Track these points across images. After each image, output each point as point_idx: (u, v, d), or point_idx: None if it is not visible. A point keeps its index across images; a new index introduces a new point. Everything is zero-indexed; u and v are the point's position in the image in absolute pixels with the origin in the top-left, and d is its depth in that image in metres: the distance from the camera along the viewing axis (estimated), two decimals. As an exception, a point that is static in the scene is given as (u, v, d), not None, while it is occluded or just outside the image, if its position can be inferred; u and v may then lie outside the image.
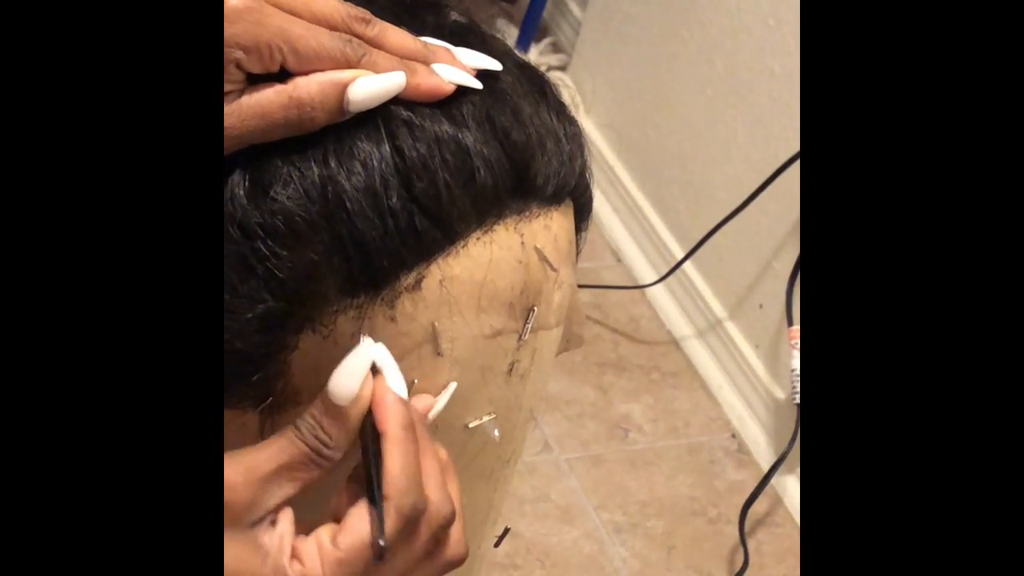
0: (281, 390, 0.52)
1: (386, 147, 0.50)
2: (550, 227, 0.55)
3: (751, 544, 1.57)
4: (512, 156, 0.52)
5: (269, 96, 0.49)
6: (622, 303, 1.86)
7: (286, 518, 0.49)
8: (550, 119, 0.55)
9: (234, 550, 0.47)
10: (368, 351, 0.49)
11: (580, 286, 1.86)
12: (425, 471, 0.50)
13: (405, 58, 0.52)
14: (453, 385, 0.54)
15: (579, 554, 1.53)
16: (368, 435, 0.50)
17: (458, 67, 0.52)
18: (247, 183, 0.49)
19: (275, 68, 0.49)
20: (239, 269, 0.49)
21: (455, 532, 0.52)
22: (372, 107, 0.50)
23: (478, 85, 0.52)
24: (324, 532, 0.49)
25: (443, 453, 0.53)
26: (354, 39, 0.50)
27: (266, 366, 0.51)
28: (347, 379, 0.49)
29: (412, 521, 0.49)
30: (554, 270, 0.56)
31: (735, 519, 1.58)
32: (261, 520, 0.48)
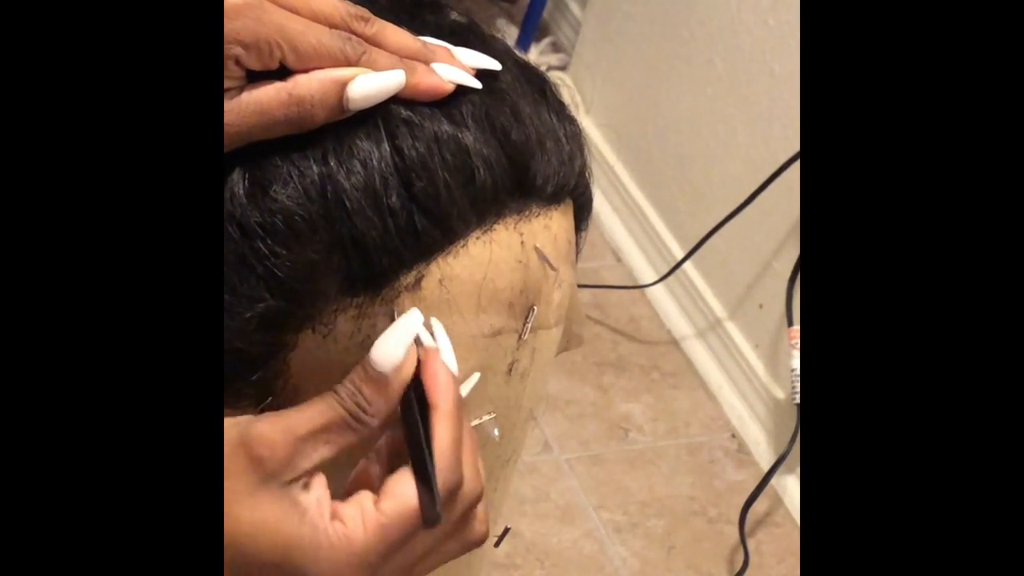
0: (281, 389, 0.52)
1: (385, 146, 0.50)
2: (550, 227, 0.55)
3: (751, 544, 1.57)
4: (512, 156, 0.52)
5: (269, 93, 0.49)
6: (622, 303, 1.86)
7: (320, 482, 0.49)
8: (550, 119, 0.55)
9: (270, 507, 0.47)
10: (415, 320, 0.50)
11: (580, 286, 1.86)
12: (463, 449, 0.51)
13: (404, 57, 0.52)
14: (476, 375, 0.54)
15: (579, 554, 1.53)
16: (412, 406, 0.50)
17: (457, 67, 0.52)
18: (246, 182, 0.49)
19: (274, 65, 0.49)
20: (239, 268, 0.49)
21: (480, 511, 0.52)
22: (372, 105, 0.50)
23: (477, 84, 0.52)
24: (366, 497, 0.49)
25: (474, 434, 0.53)
26: (354, 37, 0.50)
27: (266, 365, 0.51)
28: (392, 347, 0.49)
29: (451, 497, 0.50)
30: (554, 269, 0.56)
31: (735, 519, 1.58)
32: (296, 480, 0.48)
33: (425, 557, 0.51)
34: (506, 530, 0.65)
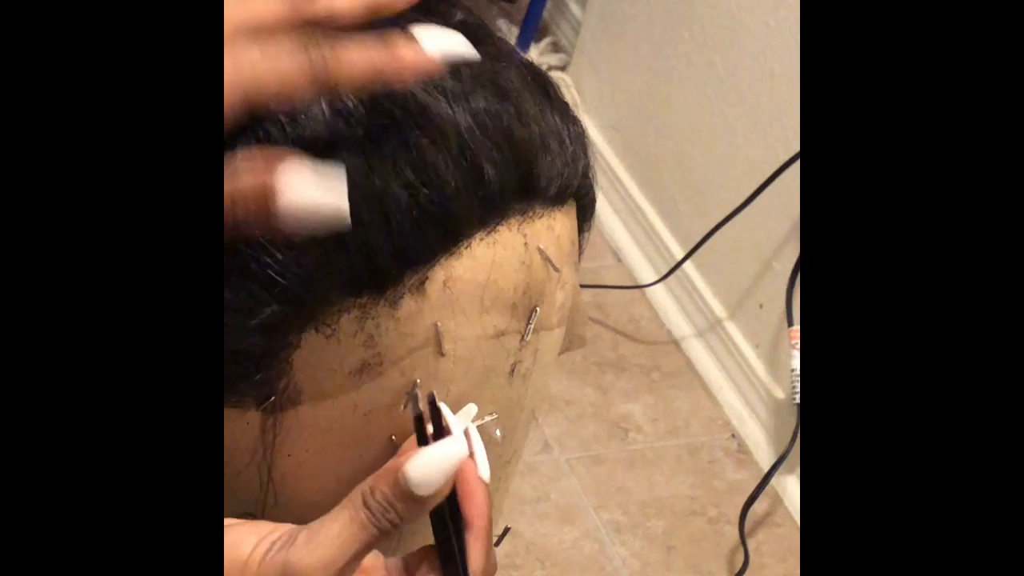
0: (283, 389, 0.52)
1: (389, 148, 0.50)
2: (553, 228, 0.55)
3: (751, 544, 1.57)
4: (516, 157, 0.52)
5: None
6: (622, 303, 1.86)
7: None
8: (554, 120, 0.55)
9: None
10: (459, 448, 0.48)
11: (580, 286, 1.85)
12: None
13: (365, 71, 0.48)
14: (473, 408, 0.54)
15: (579, 554, 1.53)
16: (446, 520, 0.49)
17: (419, 54, 0.49)
18: None
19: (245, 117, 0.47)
20: (241, 273, 0.49)
21: None
22: (306, 227, 0.47)
23: (473, 55, 0.49)
24: None
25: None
26: (318, 47, 0.47)
27: (268, 365, 0.51)
28: (433, 474, 0.48)
29: None
30: (557, 270, 0.55)
31: (735, 519, 1.58)
32: None
33: None
34: (506, 530, 0.65)
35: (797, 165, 1.59)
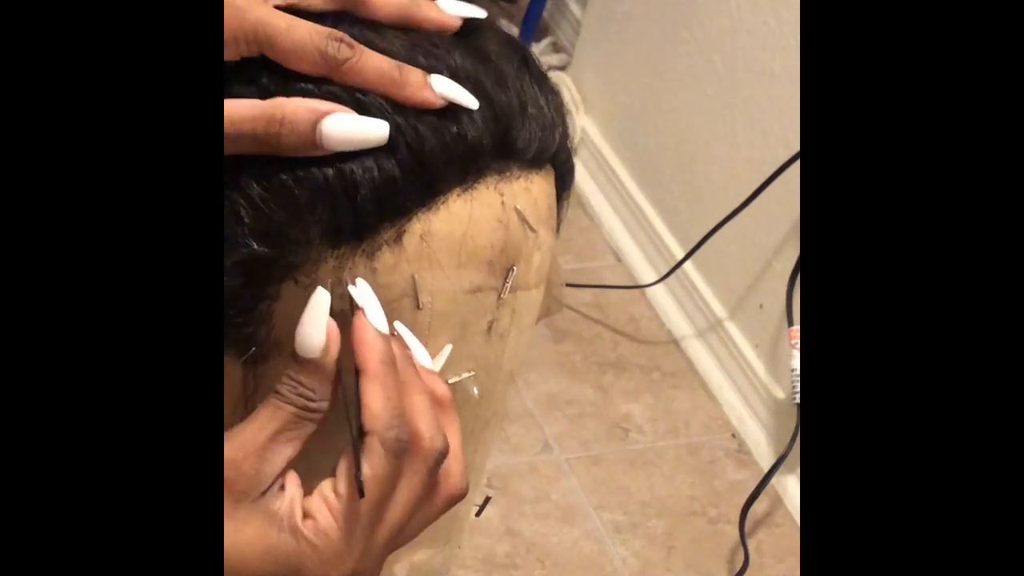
0: (264, 340, 0.53)
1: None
2: (530, 190, 0.56)
3: (751, 544, 1.57)
4: (496, 116, 0.54)
5: (242, 106, 0.49)
6: (622, 303, 1.86)
7: (292, 481, 0.50)
8: (532, 87, 0.56)
9: (250, 526, 0.48)
10: (323, 298, 0.50)
11: (580, 286, 1.86)
12: (413, 406, 0.51)
13: (390, 13, 0.53)
14: (449, 347, 0.55)
15: (579, 554, 1.53)
16: (347, 377, 0.50)
17: (442, 13, 0.54)
18: None
19: (254, 53, 0.50)
20: (225, 214, 0.50)
21: (455, 466, 0.53)
22: (349, 149, 0.50)
23: (473, 104, 0.52)
24: (326, 485, 0.50)
25: (442, 390, 0.54)
26: (344, 39, 0.50)
27: (249, 314, 0.52)
28: (310, 330, 0.50)
29: (400, 454, 0.50)
30: (533, 231, 0.57)
31: (735, 519, 1.58)
32: (270, 488, 0.49)
33: (407, 521, 0.51)
34: (487, 499, 0.65)
35: (797, 165, 1.59)
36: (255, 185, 0.50)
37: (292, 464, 0.50)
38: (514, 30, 2.17)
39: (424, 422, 0.51)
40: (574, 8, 2.18)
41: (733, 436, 1.72)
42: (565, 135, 0.58)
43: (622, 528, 1.57)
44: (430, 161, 0.52)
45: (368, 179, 0.51)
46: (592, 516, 1.57)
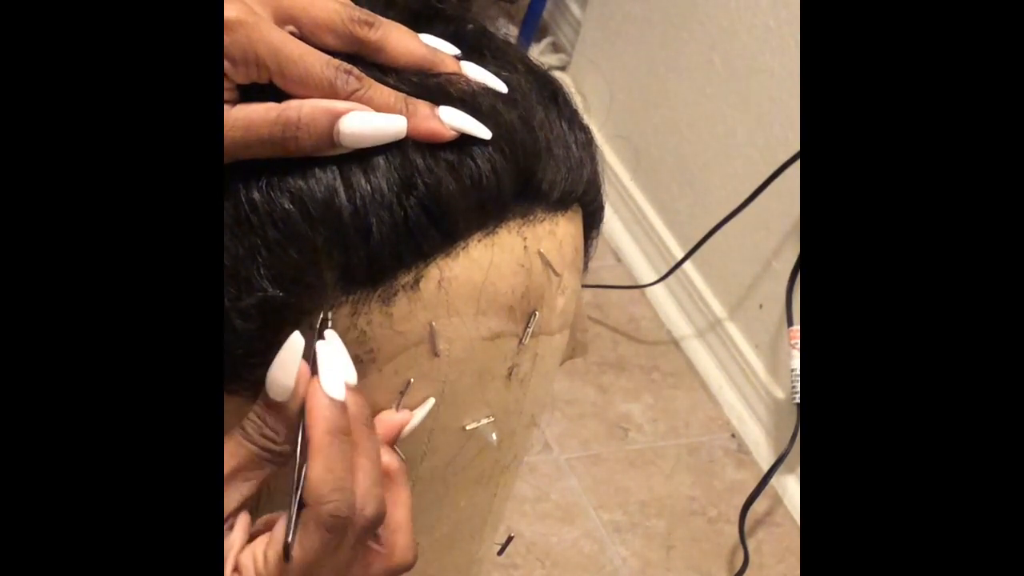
0: None
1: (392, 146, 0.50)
2: (555, 232, 0.55)
3: (751, 544, 1.57)
4: (517, 159, 0.52)
5: (258, 110, 0.49)
6: (622, 303, 1.86)
7: (240, 527, 0.50)
8: (560, 125, 0.55)
9: None
10: (297, 344, 0.49)
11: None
12: (357, 473, 0.49)
13: (409, 65, 0.52)
14: (431, 401, 0.54)
15: (579, 554, 1.53)
16: (303, 436, 0.50)
17: (466, 76, 0.52)
18: (255, 175, 0.50)
19: (263, 81, 0.49)
20: (240, 258, 0.49)
21: (400, 539, 0.51)
22: (366, 146, 0.49)
23: (486, 135, 0.51)
24: (259, 544, 0.49)
25: (392, 461, 0.52)
26: (353, 72, 0.50)
27: (264, 355, 0.51)
28: (279, 374, 0.49)
29: (336, 529, 0.49)
30: (557, 275, 0.55)
31: (735, 519, 1.58)
32: (224, 522, 0.49)
33: None
34: (509, 538, 0.65)
35: (797, 165, 1.59)
36: (270, 228, 0.49)
37: (248, 503, 0.50)
38: (514, 30, 2.17)
39: (362, 490, 0.49)
40: (574, 8, 2.18)
41: (733, 436, 1.72)
42: (594, 174, 0.57)
43: (622, 528, 1.57)
44: (448, 209, 0.51)
45: (384, 226, 0.50)
46: (592, 516, 1.58)
